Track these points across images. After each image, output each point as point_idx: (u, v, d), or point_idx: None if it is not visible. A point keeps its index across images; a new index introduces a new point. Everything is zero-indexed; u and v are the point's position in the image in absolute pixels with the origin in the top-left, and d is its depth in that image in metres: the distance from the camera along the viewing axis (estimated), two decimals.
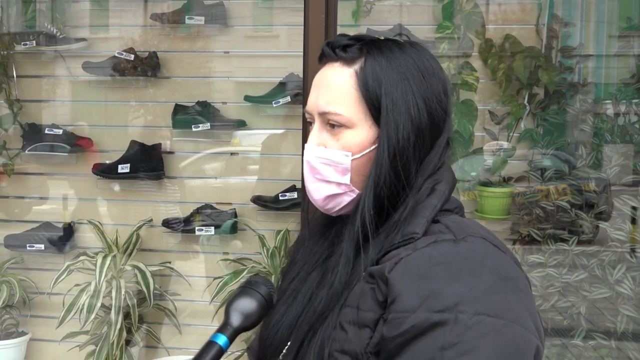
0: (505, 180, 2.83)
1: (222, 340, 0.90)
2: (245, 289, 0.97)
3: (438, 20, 2.86)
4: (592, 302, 2.62)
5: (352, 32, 2.98)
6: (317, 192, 1.02)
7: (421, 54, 1.01)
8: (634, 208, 2.67)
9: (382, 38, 1.03)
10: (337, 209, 1.02)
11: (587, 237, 2.61)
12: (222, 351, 0.89)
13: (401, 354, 0.83)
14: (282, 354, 1.02)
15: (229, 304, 0.95)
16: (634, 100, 2.73)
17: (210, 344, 0.89)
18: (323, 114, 0.99)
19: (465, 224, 0.94)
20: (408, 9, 2.98)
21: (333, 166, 0.99)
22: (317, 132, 1.02)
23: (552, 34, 2.82)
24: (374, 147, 0.97)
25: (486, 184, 2.79)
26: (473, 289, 0.83)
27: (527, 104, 2.77)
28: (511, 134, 2.79)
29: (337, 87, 0.99)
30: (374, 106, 0.97)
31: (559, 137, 2.79)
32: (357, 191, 1.00)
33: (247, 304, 0.95)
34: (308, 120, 1.05)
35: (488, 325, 0.81)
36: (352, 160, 0.98)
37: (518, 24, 2.87)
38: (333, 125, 0.99)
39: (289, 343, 1.01)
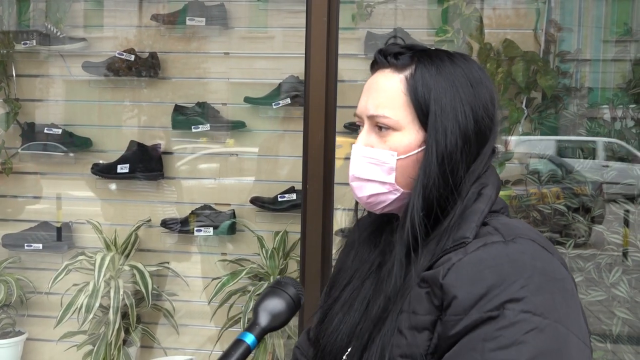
0: (503, 184, 2.85)
1: (250, 339, 0.91)
2: (273, 289, 0.98)
3: (437, 24, 2.88)
4: (587, 305, 2.64)
5: (351, 34, 3.00)
6: (361, 190, 1.06)
7: (470, 64, 1.04)
8: (627, 211, 2.70)
9: (433, 48, 1.07)
10: (381, 206, 1.06)
11: (583, 240, 2.63)
12: (249, 350, 0.90)
13: (452, 349, 0.87)
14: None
15: (257, 303, 0.96)
16: (631, 106, 2.76)
17: (238, 342, 0.90)
18: (372, 117, 1.04)
19: (514, 225, 0.97)
20: (407, 12, 3.00)
21: (379, 165, 1.03)
22: (365, 134, 1.06)
23: (550, 39, 2.85)
24: (420, 149, 1.01)
25: None
26: (522, 289, 0.85)
27: (524, 108, 2.79)
28: (509, 138, 2.81)
29: (386, 91, 1.03)
30: (422, 111, 1.00)
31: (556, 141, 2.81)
32: (401, 190, 1.03)
33: (276, 304, 0.96)
34: (357, 123, 1.09)
35: (532, 323, 0.83)
36: (397, 160, 1.01)
37: (516, 29, 2.89)
38: (381, 127, 1.03)
39: (348, 350, 1.04)
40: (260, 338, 0.92)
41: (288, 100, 2.87)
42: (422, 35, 2.94)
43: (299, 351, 1.27)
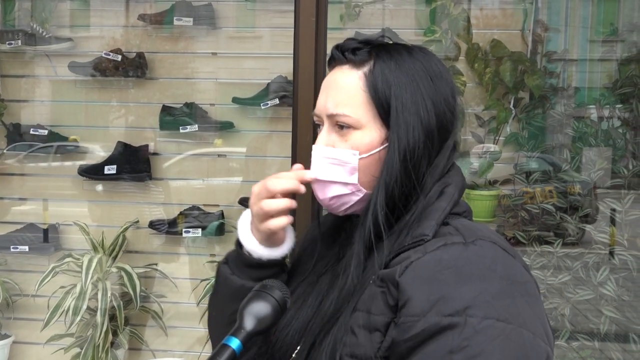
0: (491, 183, 2.86)
1: (235, 343, 0.89)
2: (259, 293, 0.96)
3: (425, 24, 2.88)
4: (574, 303, 2.65)
5: (339, 35, 2.99)
6: (323, 192, 1.03)
7: (429, 58, 1.02)
8: (613, 210, 2.71)
9: (391, 42, 1.05)
10: (343, 208, 1.03)
11: (572, 239, 2.64)
12: (235, 355, 0.88)
13: (411, 357, 0.84)
14: (292, 358, 1.02)
15: (242, 307, 0.94)
16: (617, 105, 2.78)
17: (224, 347, 0.88)
18: (332, 116, 1.01)
19: (475, 227, 0.95)
20: (395, 12, 3.00)
21: (341, 165, 1.00)
22: (325, 133, 1.03)
23: (537, 39, 2.86)
24: (382, 147, 0.98)
25: (472, 186, 2.82)
26: (483, 293, 0.83)
27: (512, 108, 2.81)
28: (497, 138, 2.82)
29: (345, 89, 1.00)
30: (383, 108, 0.98)
31: (544, 141, 2.83)
32: (364, 191, 1.01)
33: (261, 308, 0.93)
34: (316, 122, 1.06)
35: (497, 329, 0.81)
36: (359, 159, 0.99)
37: (504, 29, 2.90)
38: (342, 126, 1.00)
39: (299, 347, 1.01)
40: (246, 342, 0.90)
41: (276, 101, 2.87)
42: (410, 35, 2.94)
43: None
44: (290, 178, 1.05)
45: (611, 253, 2.66)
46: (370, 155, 0.99)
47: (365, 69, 1.00)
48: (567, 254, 2.66)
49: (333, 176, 1.01)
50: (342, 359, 0.90)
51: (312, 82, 2.10)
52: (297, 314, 1.04)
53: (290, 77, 2.84)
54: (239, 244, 1.12)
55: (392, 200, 0.97)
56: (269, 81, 2.91)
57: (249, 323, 0.92)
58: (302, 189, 1.05)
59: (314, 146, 1.04)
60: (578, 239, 2.68)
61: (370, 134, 0.99)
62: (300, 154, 2.11)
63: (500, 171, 2.87)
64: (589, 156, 2.77)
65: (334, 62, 1.05)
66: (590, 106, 2.86)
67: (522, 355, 0.81)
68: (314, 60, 2.10)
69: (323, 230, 1.14)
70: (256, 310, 0.93)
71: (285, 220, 1.06)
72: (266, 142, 3.03)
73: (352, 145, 0.99)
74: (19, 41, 2.99)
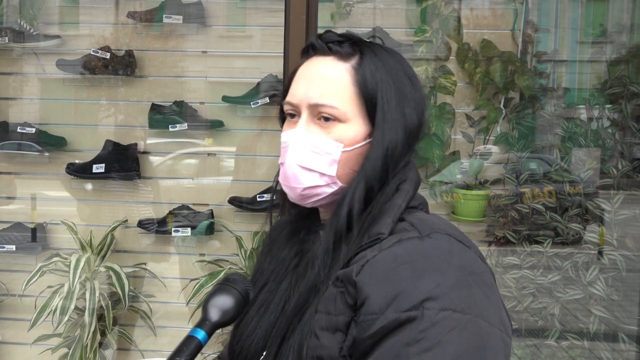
0: (481, 183, 2.87)
1: (200, 334, 0.91)
2: (222, 286, 0.98)
3: (416, 24, 2.88)
4: (564, 303, 2.66)
5: None
6: (297, 180, 1.00)
7: (404, 59, 1.04)
8: (602, 210, 2.72)
9: (367, 39, 1.04)
10: (314, 200, 1.01)
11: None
12: (200, 345, 0.91)
13: (371, 353, 0.84)
14: None
15: (206, 300, 0.97)
16: (607, 106, 2.79)
17: (190, 338, 0.91)
18: (315, 106, 0.99)
19: (430, 221, 0.95)
20: (386, 12, 3.00)
21: (322, 155, 0.98)
22: (304, 123, 1.00)
23: (527, 40, 2.87)
24: (366, 142, 0.98)
25: (463, 186, 2.82)
26: (439, 286, 0.83)
27: (502, 108, 2.81)
28: (487, 138, 2.83)
29: (332, 80, 0.99)
30: (371, 103, 0.98)
31: (533, 141, 2.84)
32: (339, 184, 0.99)
33: (225, 301, 0.96)
34: (288, 112, 1.03)
35: (454, 320, 0.81)
36: (342, 152, 0.98)
37: (494, 29, 2.91)
38: (327, 118, 0.98)
39: (264, 353, 1.00)
40: (211, 334, 0.93)
41: (267, 100, 2.85)
42: (400, 34, 2.94)
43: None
44: None
45: (600, 252, 2.67)
46: (353, 149, 0.98)
47: (352, 62, 0.99)
48: (556, 253, 2.66)
49: (312, 165, 0.99)
50: None
51: None
52: (260, 321, 1.03)
53: (281, 76, 2.84)
54: None
55: (369, 194, 0.97)
56: (259, 80, 2.90)
57: (213, 315, 0.95)
58: None
59: (291, 131, 1.01)
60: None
61: (355, 128, 0.98)
62: None
63: (490, 171, 2.88)
64: (578, 156, 2.78)
65: (312, 52, 1.03)
66: (580, 106, 2.88)
67: (479, 344, 0.82)
68: None
69: (280, 234, 1.13)
70: (220, 303, 0.96)
71: None
72: (256, 141, 3.02)
73: (335, 138, 0.98)
74: (7, 38, 2.96)
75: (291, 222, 1.12)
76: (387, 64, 1.00)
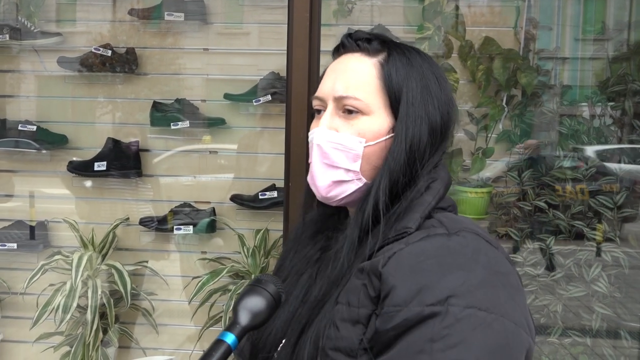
0: (484, 180, 2.86)
1: (230, 339, 0.88)
2: (253, 287, 0.96)
3: (417, 21, 2.88)
4: (566, 301, 2.66)
5: (330, 31, 2.97)
6: (323, 178, 1.02)
7: (433, 61, 1.05)
8: (604, 206, 2.72)
9: (397, 40, 1.06)
10: (339, 197, 1.03)
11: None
12: (230, 350, 0.88)
13: (393, 346, 0.83)
14: (277, 351, 1.02)
15: (237, 302, 0.94)
16: (609, 104, 2.79)
17: (219, 342, 0.88)
18: (340, 99, 1.00)
19: (458, 220, 0.96)
20: (387, 9, 2.99)
21: (345, 152, 1.00)
22: (329, 117, 1.02)
23: (529, 37, 2.86)
24: (389, 136, 0.99)
25: (465, 184, 2.82)
26: (465, 283, 0.83)
27: (504, 106, 2.81)
28: (489, 135, 2.83)
29: (358, 73, 1.01)
30: (395, 97, 0.99)
31: (536, 139, 2.83)
32: (364, 180, 1.01)
33: (256, 303, 0.93)
34: (316, 107, 1.06)
35: (478, 318, 0.81)
36: (365, 147, 0.99)
37: (496, 27, 2.90)
38: (350, 111, 1.00)
39: (282, 342, 1.01)
40: (241, 337, 0.90)
41: (268, 97, 2.85)
42: (402, 32, 2.93)
43: (240, 357, 1.22)
44: None
45: (600, 249, 2.67)
46: (376, 143, 0.99)
47: (380, 57, 1.01)
48: (559, 251, 2.67)
49: (335, 161, 1.01)
50: (325, 352, 0.90)
51: (306, 79, 2.09)
52: (279, 312, 1.03)
53: (282, 74, 2.83)
54: None
55: (393, 188, 0.97)
56: (261, 77, 2.89)
57: (243, 318, 0.92)
58: None
59: (315, 129, 1.03)
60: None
61: (378, 122, 0.99)
62: (294, 151, 2.10)
63: (492, 168, 2.88)
64: (581, 154, 2.78)
65: (342, 49, 1.06)
66: (582, 104, 2.88)
67: (503, 344, 0.82)
68: (308, 57, 2.09)
69: (305, 232, 1.14)
70: (251, 305, 0.93)
71: None
72: (258, 138, 3.01)
73: (357, 131, 0.99)
74: (6, 36, 2.94)
75: (316, 222, 1.13)
76: (415, 62, 1.01)
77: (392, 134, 0.99)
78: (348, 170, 1.00)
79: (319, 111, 1.05)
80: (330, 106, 1.02)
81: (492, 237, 0.95)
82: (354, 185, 1.01)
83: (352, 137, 0.99)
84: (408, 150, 0.97)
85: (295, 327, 0.99)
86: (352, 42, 1.04)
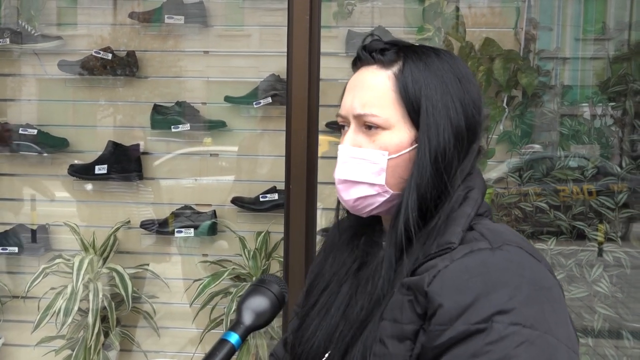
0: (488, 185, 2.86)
1: (234, 338, 0.89)
2: (257, 287, 0.96)
3: (417, 22, 2.88)
4: (568, 301, 2.66)
5: (330, 33, 2.97)
6: (348, 193, 1.02)
7: (455, 60, 1.02)
8: (606, 207, 2.72)
9: (417, 44, 1.03)
10: (368, 209, 1.02)
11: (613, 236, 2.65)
12: (234, 349, 0.88)
13: None
14: None
15: (240, 302, 0.94)
16: (610, 104, 2.79)
17: (222, 342, 0.88)
18: (359, 116, 0.99)
19: (500, 231, 0.94)
20: (388, 11, 2.99)
21: (369, 166, 0.99)
22: (352, 134, 1.01)
23: (529, 37, 2.86)
24: (411, 148, 0.97)
25: None
26: (511, 300, 0.83)
27: (505, 107, 2.81)
28: (490, 136, 2.82)
29: (374, 89, 0.99)
30: (413, 108, 0.97)
31: (537, 139, 2.83)
32: (391, 192, 0.99)
33: (260, 303, 0.94)
34: (341, 123, 1.05)
35: (522, 336, 0.81)
36: (388, 160, 0.98)
37: (497, 27, 2.90)
38: (370, 126, 0.99)
39: (326, 355, 1.01)
40: (244, 337, 0.90)
41: (269, 99, 2.85)
42: (402, 33, 2.93)
43: (274, 358, 1.24)
44: None
45: (602, 250, 2.67)
46: (400, 155, 0.98)
47: (395, 69, 0.99)
48: (560, 251, 2.66)
49: (359, 176, 1.00)
50: None
51: (306, 81, 2.09)
52: (321, 323, 1.03)
53: (283, 76, 2.83)
54: None
55: (423, 202, 0.96)
56: (261, 79, 2.90)
57: (247, 318, 0.92)
58: None
59: (339, 146, 1.02)
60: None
61: (399, 135, 0.97)
62: (295, 153, 2.10)
63: (493, 169, 2.88)
64: (582, 154, 2.78)
65: (359, 62, 1.04)
66: (583, 104, 2.87)
67: None
68: (308, 59, 2.09)
69: (342, 236, 1.13)
70: (255, 305, 0.94)
71: None
72: (258, 141, 3.01)
73: (380, 145, 0.98)
74: (7, 39, 2.95)
75: (352, 227, 1.12)
76: (432, 67, 0.98)
77: (416, 145, 0.97)
78: (372, 185, 0.99)
79: (343, 126, 1.05)
80: (353, 123, 1.01)
81: (534, 248, 0.93)
82: (381, 197, 1.00)
83: (375, 151, 0.98)
84: (433, 162, 0.95)
85: (339, 345, 0.98)
86: (367, 55, 1.01)
